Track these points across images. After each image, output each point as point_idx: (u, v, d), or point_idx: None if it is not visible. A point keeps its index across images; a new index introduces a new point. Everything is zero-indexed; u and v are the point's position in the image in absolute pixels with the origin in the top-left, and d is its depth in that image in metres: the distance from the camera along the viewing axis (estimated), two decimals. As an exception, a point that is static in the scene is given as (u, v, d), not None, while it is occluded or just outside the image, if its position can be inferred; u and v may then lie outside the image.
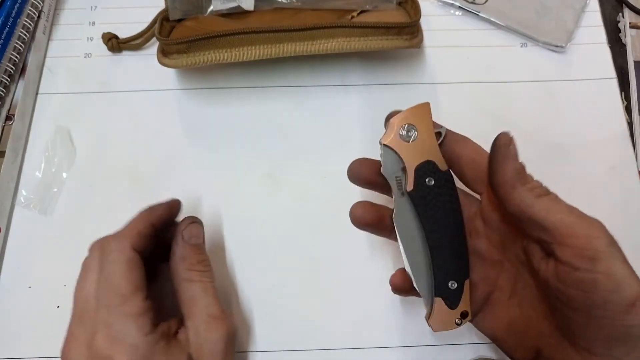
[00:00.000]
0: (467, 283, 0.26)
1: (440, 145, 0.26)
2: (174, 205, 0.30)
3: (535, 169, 0.32)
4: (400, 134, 0.26)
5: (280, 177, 0.37)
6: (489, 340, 0.31)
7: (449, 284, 0.26)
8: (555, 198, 0.23)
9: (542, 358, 0.25)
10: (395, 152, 0.26)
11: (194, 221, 0.30)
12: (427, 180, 0.26)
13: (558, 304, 0.23)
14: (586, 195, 0.36)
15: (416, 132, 0.26)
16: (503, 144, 0.24)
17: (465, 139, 0.27)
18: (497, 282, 0.27)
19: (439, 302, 0.26)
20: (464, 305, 0.26)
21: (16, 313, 0.33)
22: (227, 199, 0.36)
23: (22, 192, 0.36)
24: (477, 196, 0.28)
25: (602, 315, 0.21)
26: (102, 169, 0.37)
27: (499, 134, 0.25)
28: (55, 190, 0.36)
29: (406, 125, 0.26)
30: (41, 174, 0.36)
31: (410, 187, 0.26)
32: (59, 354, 0.32)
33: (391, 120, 0.26)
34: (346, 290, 0.33)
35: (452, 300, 0.26)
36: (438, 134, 0.26)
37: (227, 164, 0.37)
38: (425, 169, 0.26)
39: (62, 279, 0.34)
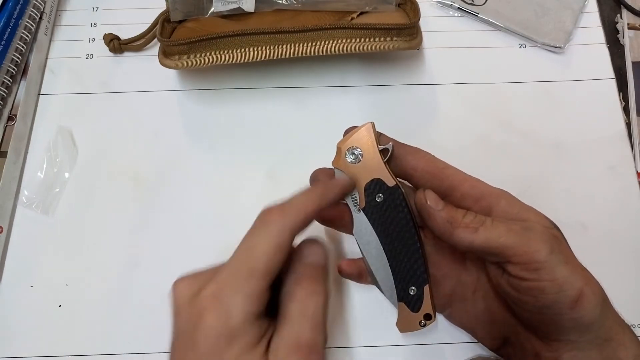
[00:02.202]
0: (426, 288, 0.27)
1: (389, 160, 0.27)
2: (348, 189, 0.27)
3: (534, 169, 0.33)
4: (346, 157, 0.28)
5: (280, 177, 0.37)
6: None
7: (409, 290, 0.27)
8: (491, 224, 0.24)
9: (509, 344, 0.27)
10: (345, 174, 0.28)
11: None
12: (376, 197, 0.27)
13: (514, 306, 0.26)
14: (584, 196, 0.36)
15: (362, 153, 0.27)
16: (421, 205, 0.26)
17: (416, 150, 0.28)
18: (460, 278, 0.29)
19: (402, 306, 0.28)
20: (426, 308, 0.27)
21: (18, 312, 0.33)
22: (227, 199, 0.36)
23: (24, 192, 0.36)
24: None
25: (552, 312, 0.24)
26: (104, 169, 0.37)
27: (416, 196, 0.26)
28: (57, 190, 0.36)
29: (351, 149, 0.28)
30: (43, 174, 0.37)
31: (362, 204, 0.27)
32: (60, 353, 0.32)
33: (338, 144, 0.28)
34: (346, 290, 0.34)
35: (413, 305, 0.27)
36: (385, 151, 0.27)
37: (228, 164, 0.37)
38: (374, 186, 0.27)
39: (64, 278, 0.34)
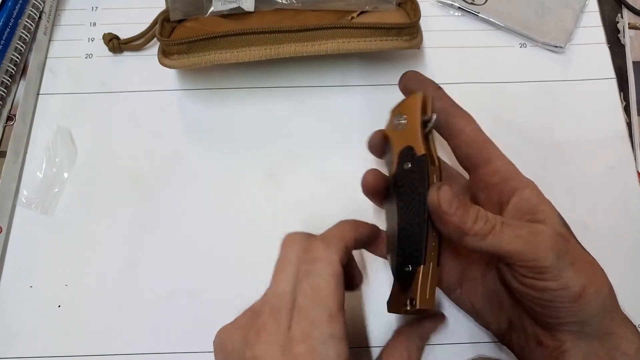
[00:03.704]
0: (419, 270, 0.25)
1: (429, 132, 0.27)
2: (376, 233, 0.28)
3: (535, 169, 0.32)
4: (393, 122, 0.28)
5: (280, 176, 0.37)
6: (489, 340, 0.32)
7: (405, 267, 0.26)
8: (500, 228, 0.24)
9: (514, 329, 0.28)
10: (389, 139, 0.28)
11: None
12: (405, 165, 0.27)
13: (517, 295, 0.26)
14: (585, 196, 0.36)
15: (405, 120, 0.27)
16: (433, 206, 0.25)
17: (468, 116, 0.29)
18: (471, 260, 0.29)
19: (395, 283, 0.27)
20: (413, 291, 0.25)
21: (17, 313, 0.33)
22: (227, 199, 0.36)
23: (24, 192, 0.36)
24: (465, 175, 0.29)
25: (554, 306, 0.24)
26: (103, 169, 0.37)
27: (430, 194, 0.25)
28: (57, 190, 0.36)
29: (398, 115, 0.28)
30: (42, 174, 0.37)
31: (393, 170, 0.27)
32: (60, 354, 0.32)
33: (391, 109, 0.29)
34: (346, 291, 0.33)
35: (403, 283, 0.26)
36: (427, 122, 0.27)
37: (228, 164, 0.37)
38: (405, 154, 0.27)
39: (64, 278, 0.34)
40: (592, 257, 0.25)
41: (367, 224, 0.27)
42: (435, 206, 0.24)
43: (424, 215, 0.25)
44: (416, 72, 0.31)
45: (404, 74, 0.31)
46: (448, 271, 0.30)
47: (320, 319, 0.22)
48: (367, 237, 0.27)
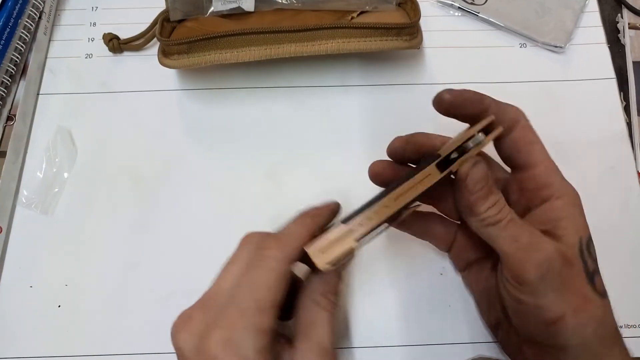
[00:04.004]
0: (338, 226, 0.24)
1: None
2: (335, 212, 0.27)
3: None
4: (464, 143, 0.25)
5: (280, 176, 0.37)
6: (489, 340, 0.32)
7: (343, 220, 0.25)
8: (504, 226, 0.24)
9: (502, 328, 0.29)
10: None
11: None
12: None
13: (502, 299, 0.26)
14: (585, 196, 0.36)
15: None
16: (460, 182, 0.25)
17: (515, 113, 0.27)
18: (483, 249, 0.29)
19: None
20: (315, 244, 0.24)
21: (17, 313, 0.33)
22: (227, 198, 0.36)
23: (24, 192, 0.36)
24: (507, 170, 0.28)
25: (529, 321, 0.25)
26: (103, 169, 0.37)
27: (461, 171, 0.25)
28: (57, 190, 0.36)
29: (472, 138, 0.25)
30: (42, 174, 0.37)
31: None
32: (59, 354, 0.32)
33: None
34: (346, 290, 0.33)
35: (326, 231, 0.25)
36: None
37: (228, 164, 0.37)
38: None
39: (63, 278, 0.34)
40: (594, 294, 0.24)
41: (327, 207, 0.27)
42: (462, 179, 0.24)
43: (391, 187, 0.25)
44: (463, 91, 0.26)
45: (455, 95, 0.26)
46: (458, 252, 0.30)
47: (249, 310, 0.22)
48: (328, 222, 0.27)
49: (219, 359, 0.21)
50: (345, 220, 0.24)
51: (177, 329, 0.23)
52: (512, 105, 0.27)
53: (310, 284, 0.25)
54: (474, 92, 0.26)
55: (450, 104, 0.26)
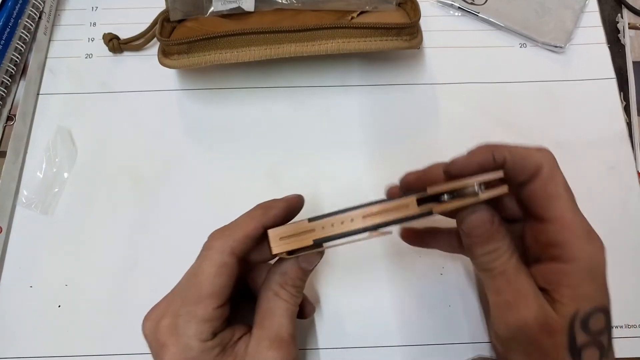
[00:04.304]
0: (303, 221, 0.24)
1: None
2: (294, 205, 0.27)
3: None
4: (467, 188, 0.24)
5: (280, 176, 0.37)
6: (489, 340, 0.32)
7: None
8: (494, 276, 0.24)
9: None
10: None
11: (320, 251, 0.26)
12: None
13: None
14: (585, 196, 0.36)
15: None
16: (459, 226, 0.25)
17: (540, 159, 0.25)
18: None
19: None
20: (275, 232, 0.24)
21: (17, 312, 0.33)
22: (226, 198, 0.36)
23: (24, 192, 0.36)
24: None
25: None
26: (103, 169, 0.37)
27: (460, 215, 0.25)
28: (57, 190, 0.36)
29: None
30: (42, 174, 0.37)
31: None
32: (59, 354, 0.32)
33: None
34: (346, 290, 0.34)
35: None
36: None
37: (228, 164, 0.37)
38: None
39: (63, 278, 0.34)
40: None
41: (283, 201, 0.27)
42: (458, 223, 0.25)
43: (365, 203, 0.24)
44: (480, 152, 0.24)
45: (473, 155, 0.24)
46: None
47: (190, 299, 0.24)
48: (285, 213, 0.26)
49: (167, 344, 0.23)
50: (312, 219, 0.24)
51: (145, 318, 0.25)
52: (541, 151, 0.24)
53: (271, 275, 0.26)
54: (483, 150, 0.23)
55: (458, 174, 0.24)
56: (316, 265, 0.26)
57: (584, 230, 0.24)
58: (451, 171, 0.24)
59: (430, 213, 0.23)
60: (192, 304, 0.24)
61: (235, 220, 0.26)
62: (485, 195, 0.23)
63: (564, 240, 0.23)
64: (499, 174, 0.23)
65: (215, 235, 0.25)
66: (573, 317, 0.23)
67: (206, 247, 0.25)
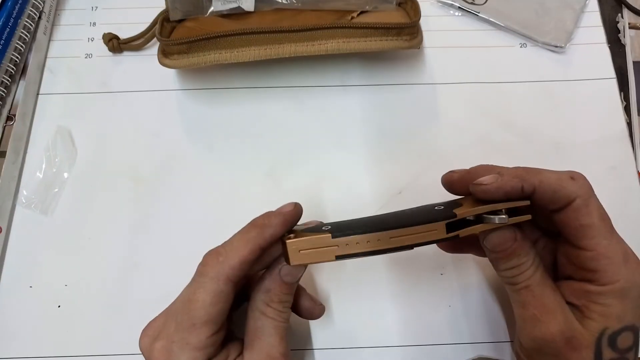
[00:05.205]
0: (326, 235, 0.24)
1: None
2: (290, 219, 0.25)
3: (535, 169, 0.32)
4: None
5: (280, 177, 0.37)
6: (489, 340, 0.32)
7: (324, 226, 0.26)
8: (518, 290, 0.25)
9: None
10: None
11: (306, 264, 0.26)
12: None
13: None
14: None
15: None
16: (491, 250, 0.25)
17: (576, 191, 0.24)
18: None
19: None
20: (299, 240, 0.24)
21: (17, 313, 0.33)
22: (226, 198, 0.36)
23: (23, 192, 0.36)
24: None
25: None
26: (103, 169, 0.37)
27: (483, 235, 0.25)
28: (56, 190, 0.36)
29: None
30: (42, 174, 0.37)
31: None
32: (59, 354, 0.32)
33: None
34: (345, 290, 0.34)
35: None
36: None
37: (227, 164, 0.37)
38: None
39: (63, 278, 0.34)
40: None
41: (278, 216, 0.25)
42: (480, 240, 0.25)
43: (394, 225, 0.24)
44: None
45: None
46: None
47: (183, 325, 0.24)
48: (282, 230, 0.25)
49: None
50: (335, 235, 0.24)
51: (142, 332, 0.26)
52: (574, 179, 0.24)
53: (255, 293, 0.26)
54: (514, 179, 0.23)
55: (486, 200, 0.24)
56: (300, 277, 0.26)
57: (620, 254, 0.23)
58: (479, 197, 0.24)
59: (457, 237, 0.24)
60: (186, 331, 0.24)
61: (230, 241, 0.25)
62: (510, 221, 0.23)
63: (599, 268, 0.23)
64: (525, 203, 0.24)
65: (209, 262, 0.24)
66: (601, 333, 0.23)
67: (201, 272, 0.24)
